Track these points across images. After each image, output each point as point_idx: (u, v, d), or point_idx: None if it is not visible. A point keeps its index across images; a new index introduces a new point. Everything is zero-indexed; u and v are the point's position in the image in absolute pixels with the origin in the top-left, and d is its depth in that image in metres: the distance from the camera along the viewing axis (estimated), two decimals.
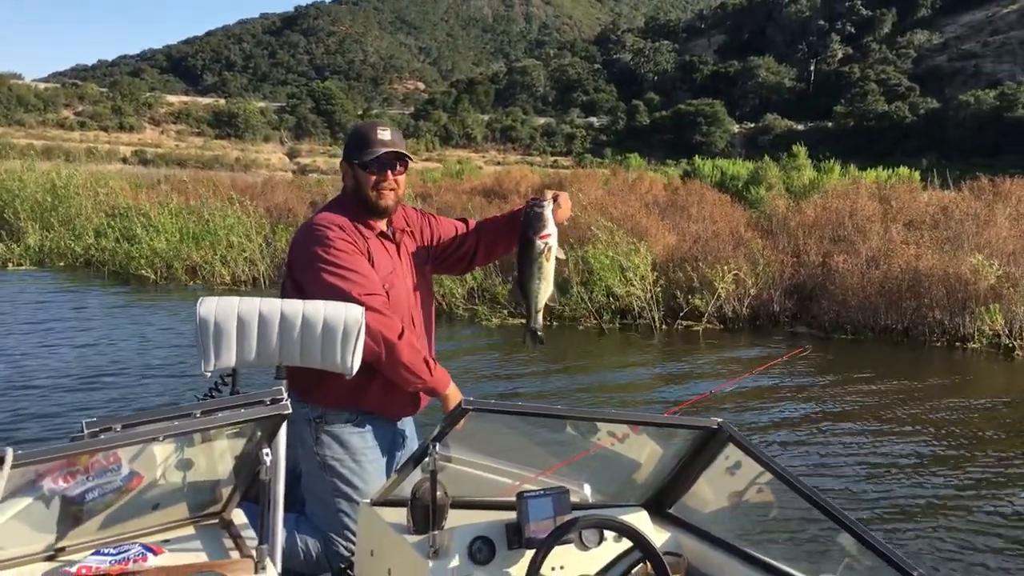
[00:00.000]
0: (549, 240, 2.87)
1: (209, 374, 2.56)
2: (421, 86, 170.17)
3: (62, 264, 16.28)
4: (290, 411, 2.01)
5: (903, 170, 26.04)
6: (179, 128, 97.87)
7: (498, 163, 74.77)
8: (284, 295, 2.98)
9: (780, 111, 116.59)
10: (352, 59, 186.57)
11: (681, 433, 2.53)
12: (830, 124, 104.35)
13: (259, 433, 2.09)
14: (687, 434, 2.52)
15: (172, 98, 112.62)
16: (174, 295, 13.35)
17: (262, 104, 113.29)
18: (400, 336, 2.88)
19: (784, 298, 11.39)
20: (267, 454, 1.98)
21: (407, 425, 3.28)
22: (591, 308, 11.12)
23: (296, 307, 2.53)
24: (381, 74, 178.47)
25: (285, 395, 2.06)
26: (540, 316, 3.02)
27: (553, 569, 2.30)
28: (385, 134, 3.08)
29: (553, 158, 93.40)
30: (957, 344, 10.01)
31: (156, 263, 14.55)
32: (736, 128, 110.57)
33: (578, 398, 7.92)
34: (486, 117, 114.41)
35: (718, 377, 8.74)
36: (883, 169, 26.79)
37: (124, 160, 70.29)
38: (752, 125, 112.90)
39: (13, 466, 1.63)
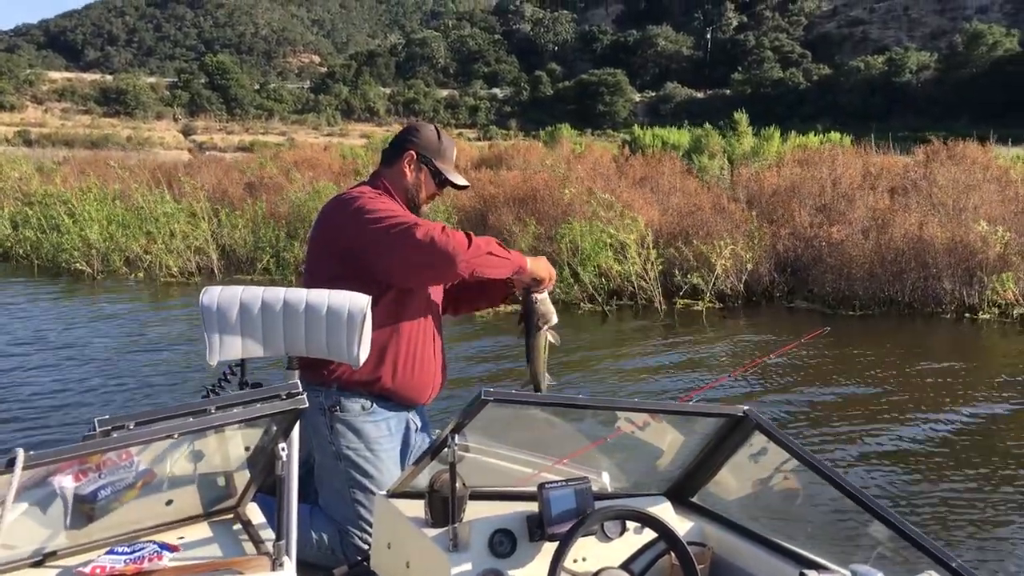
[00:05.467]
0: (552, 326, 3.05)
1: (215, 364, 2.47)
2: (316, 59, 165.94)
3: None
4: (307, 405, 1.95)
5: (834, 135, 26.27)
6: (64, 106, 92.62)
7: None
8: (309, 270, 3.04)
9: (679, 79, 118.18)
10: (243, 32, 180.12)
11: (704, 421, 2.47)
12: (728, 91, 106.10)
13: (275, 428, 2.03)
14: (710, 422, 2.44)
15: (55, 74, 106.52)
16: (117, 289, 12.19)
17: (152, 79, 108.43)
18: (469, 236, 2.81)
19: (776, 273, 11.03)
20: (283, 449, 1.94)
21: (419, 415, 3.19)
22: (583, 291, 10.52)
23: (299, 296, 2.49)
24: (274, 47, 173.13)
25: (300, 388, 1.99)
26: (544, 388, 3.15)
27: (575, 561, 2.24)
28: (454, 157, 3.21)
29: (458, 130, 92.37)
30: (966, 315, 9.80)
31: (90, 255, 13.26)
32: (638, 97, 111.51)
33: (589, 384, 7.43)
34: (388, 90, 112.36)
35: (732, 358, 8.33)
36: (811, 135, 26.98)
37: (7, 141, 66.08)
38: (653, 94, 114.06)
39: (25, 467, 1.61)
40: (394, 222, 2.82)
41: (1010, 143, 24.29)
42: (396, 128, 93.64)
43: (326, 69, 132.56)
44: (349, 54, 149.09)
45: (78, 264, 13.17)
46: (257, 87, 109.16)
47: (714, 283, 10.49)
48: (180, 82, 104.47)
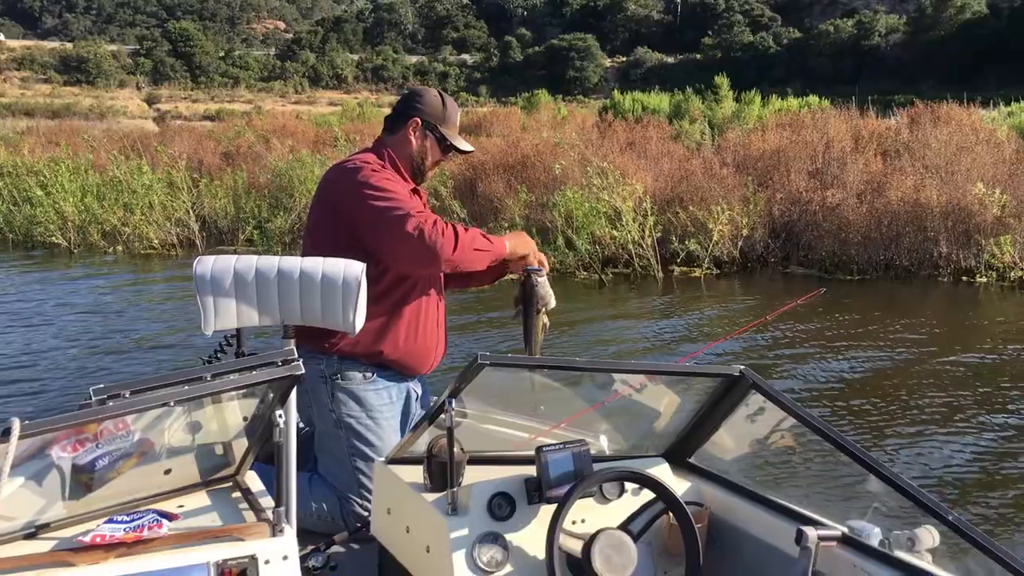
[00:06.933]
0: (548, 307, 3.06)
1: (210, 334, 2.46)
2: (282, 26, 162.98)
3: None
4: (303, 372, 1.93)
5: (813, 98, 26.16)
6: (23, 75, 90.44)
7: (377, 106, 72.27)
8: (310, 238, 3.01)
9: (649, 44, 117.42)
10: None
11: (701, 381, 2.46)
12: (699, 56, 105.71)
13: (271, 395, 2.03)
14: (707, 382, 2.44)
15: (13, 43, 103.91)
16: (97, 263, 11.89)
17: (114, 47, 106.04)
18: (456, 234, 2.79)
19: (771, 238, 10.92)
20: (280, 416, 1.93)
21: (419, 382, 3.20)
22: (578, 259, 10.34)
23: (294, 263, 2.48)
24: (237, 13, 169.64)
25: (296, 355, 1.97)
26: None
27: (574, 523, 2.25)
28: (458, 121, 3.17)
29: None
30: (964, 278, 9.75)
31: (66, 228, 12.87)
32: (608, 62, 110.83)
33: (589, 352, 7.33)
34: (355, 57, 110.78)
35: (731, 323, 8.25)
36: (790, 98, 26.84)
37: None
38: (623, 59, 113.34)
39: (21, 436, 1.60)
40: (389, 205, 2.80)
41: (992, 105, 24.34)
42: (365, 95, 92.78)
43: (292, 35, 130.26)
44: (315, 20, 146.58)
45: (54, 238, 12.83)
46: (222, 54, 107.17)
47: (711, 249, 10.35)
48: (142, 49, 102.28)
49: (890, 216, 10.15)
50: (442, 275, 3.21)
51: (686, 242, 10.35)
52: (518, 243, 3.03)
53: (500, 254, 2.96)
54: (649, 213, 10.25)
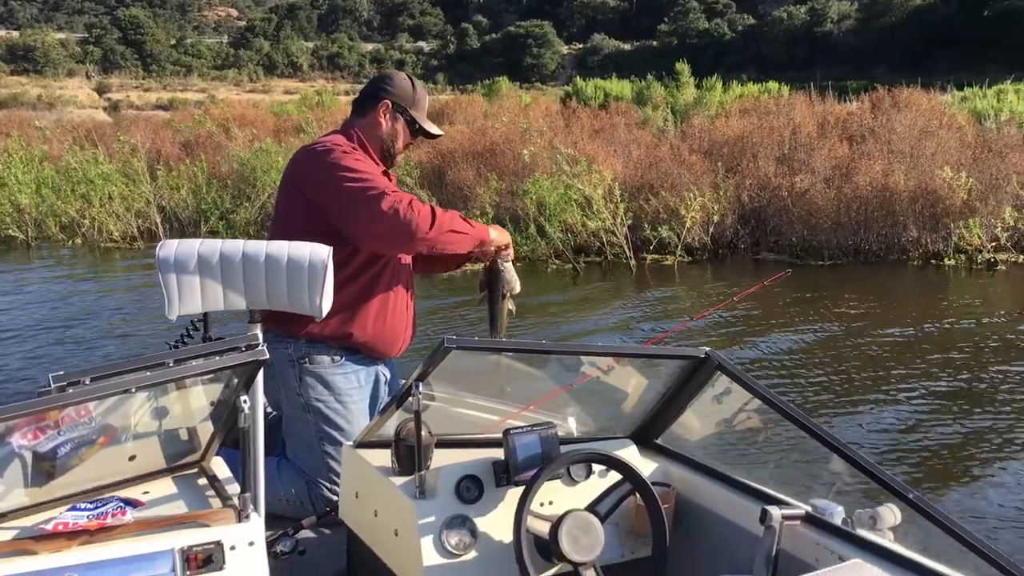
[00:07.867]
0: (513, 292, 3.10)
1: (175, 319, 2.44)
2: (234, 13, 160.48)
3: None
4: (267, 357, 1.93)
5: (772, 84, 26.33)
6: None
7: (335, 94, 71.44)
8: (279, 222, 2.99)
9: (606, 31, 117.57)
10: None
11: (667, 363, 2.49)
12: (655, 43, 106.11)
13: (235, 380, 2.03)
14: (673, 364, 2.47)
15: None
16: (55, 256, 11.63)
17: (62, 35, 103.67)
18: (434, 213, 2.80)
19: (741, 225, 10.94)
20: (245, 401, 1.90)
21: (388, 366, 3.20)
22: (551, 248, 10.28)
23: (259, 247, 2.46)
24: (189, 0, 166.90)
25: (261, 340, 1.99)
26: None
27: (542, 505, 2.28)
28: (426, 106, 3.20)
29: None
30: (932, 262, 9.85)
31: (23, 221, 12.54)
32: (565, 49, 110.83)
33: (562, 338, 7.34)
34: (310, 44, 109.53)
35: (701, 309, 8.26)
36: (750, 84, 26.99)
37: None
38: (580, 46, 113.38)
39: None
40: (363, 186, 2.78)
41: (945, 90, 24.64)
42: (321, 83, 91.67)
43: (245, 23, 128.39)
44: (268, 7, 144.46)
45: (10, 231, 12.55)
46: (173, 42, 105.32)
47: (684, 236, 10.34)
48: (91, 38, 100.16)
49: (859, 201, 10.21)
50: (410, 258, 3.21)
51: (658, 229, 10.32)
52: (502, 234, 3.07)
53: (482, 239, 2.97)
54: (619, 200, 10.20)
